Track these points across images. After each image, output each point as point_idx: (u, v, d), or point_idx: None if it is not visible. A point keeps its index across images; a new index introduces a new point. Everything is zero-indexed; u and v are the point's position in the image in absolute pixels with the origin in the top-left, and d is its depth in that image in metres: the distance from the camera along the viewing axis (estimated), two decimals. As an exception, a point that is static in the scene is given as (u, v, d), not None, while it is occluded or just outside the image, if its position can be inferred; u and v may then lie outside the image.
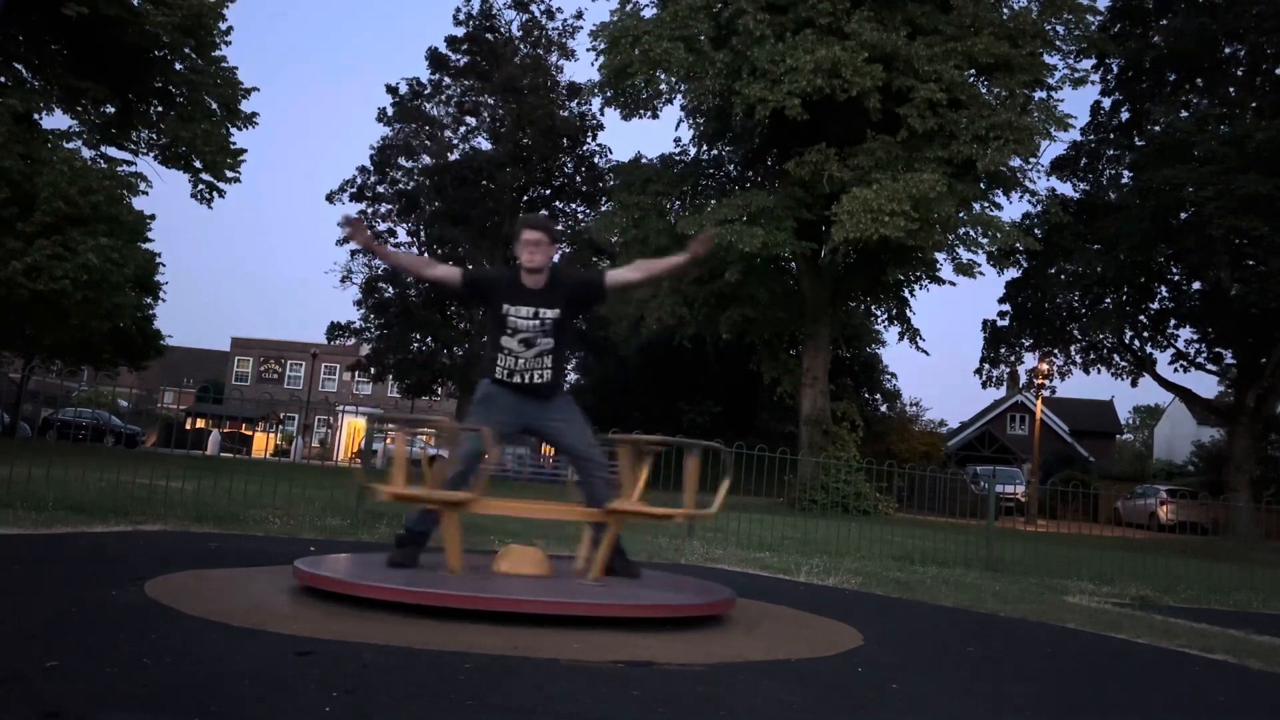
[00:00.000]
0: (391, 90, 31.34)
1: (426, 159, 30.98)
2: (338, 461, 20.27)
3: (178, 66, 18.69)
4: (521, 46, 31.55)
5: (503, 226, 28.95)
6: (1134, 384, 27.92)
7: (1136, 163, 23.23)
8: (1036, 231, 21.47)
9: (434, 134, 31.04)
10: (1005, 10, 20.19)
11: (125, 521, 5.52)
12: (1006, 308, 25.32)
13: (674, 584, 4.10)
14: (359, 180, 31.14)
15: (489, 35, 31.41)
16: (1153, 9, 24.18)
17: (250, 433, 33.56)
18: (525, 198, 31.02)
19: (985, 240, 19.13)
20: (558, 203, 32.12)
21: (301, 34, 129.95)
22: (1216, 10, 22.46)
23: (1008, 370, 27.25)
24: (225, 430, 33.46)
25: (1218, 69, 23.18)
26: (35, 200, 15.26)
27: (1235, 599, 6.98)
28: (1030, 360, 27.36)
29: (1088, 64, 22.85)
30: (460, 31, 31.42)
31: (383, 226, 31.23)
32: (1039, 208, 22.20)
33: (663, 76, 19.94)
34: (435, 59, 31.30)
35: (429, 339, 30.66)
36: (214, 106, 19.36)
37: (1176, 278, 23.98)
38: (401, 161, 31.24)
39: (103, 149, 18.90)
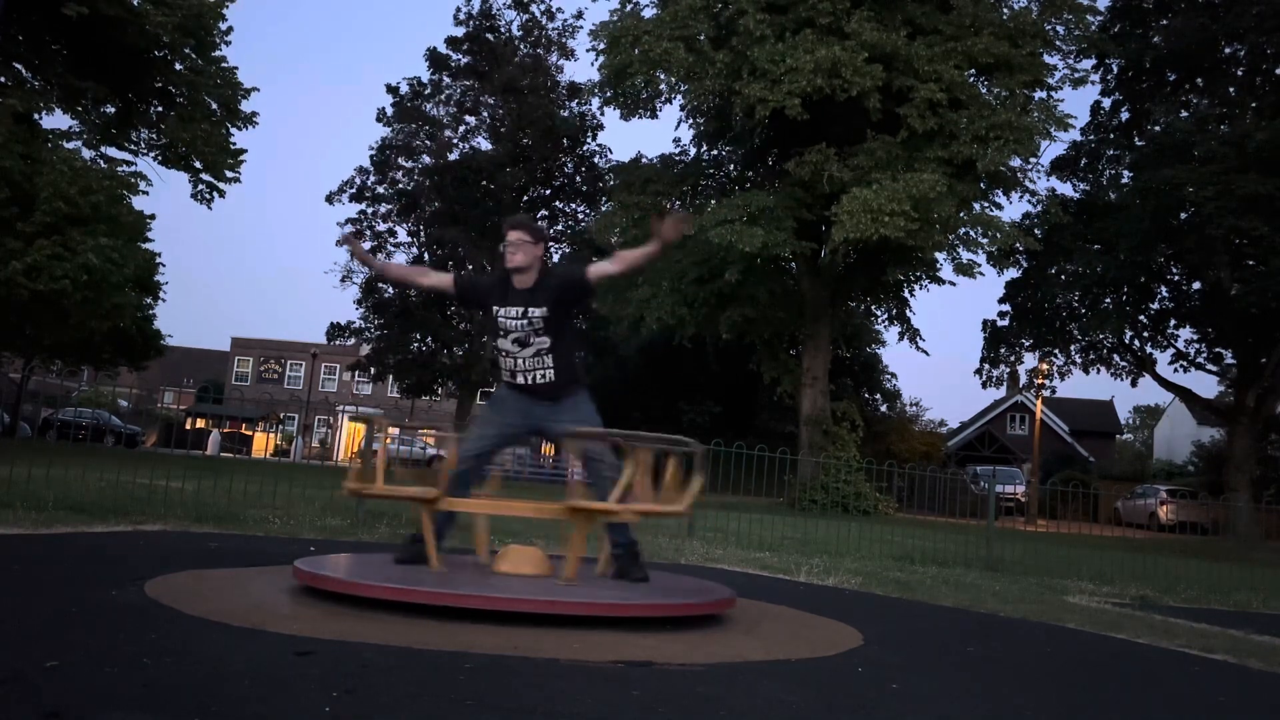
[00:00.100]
0: (392, 90, 31.36)
1: (426, 159, 30.99)
2: (338, 461, 20.29)
3: (178, 66, 18.69)
4: (521, 46, 31.56)
5: (502, 227, 28.92)
6: (1134, 384, 27.96)
7: (1136, 163, 23.23)
8: (1036, 231, 21.46)
9: (434, 134, 31.05)
10: (1005, 10, 20.19)
11: (125, 521, 5.52)
12: (1006, 308, 25.33)
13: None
14: (358, 181, 31.16)
15: (489, 35, 31.42)
16: (1153, 9, 24.18)
17: (250, 433, 33.56)
18: (525, 198, 31.02)
19: (985, 240, 19.13)
20: (558, 203, 32.12)
21: (302, 34, 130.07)
22: (1216, 10, 22.46)
23: (1008, 370, 27.27)
24: (225, 430, 33.47)
25: (1218, 69, 23.18)
26: (35, 200, 15.26)
27: (1235, 599, 6.98)
28: (1030, 360, 27.40)
29: (1088, 64, 22.89)
30: (460, 31, 31.46)
31: (382, 226, 31.27)
32: (1039, 208, 22.21)
33: (662, 76, 19.94)
34: (435, 59, 31.31)
35: (429, 339, 30.68)
36: (214, 107, 19.37)
37: (1176, 278, 23.98)
38: (401, 161, 31.26)
39: (103, 149, 18.92)
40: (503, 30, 31.65)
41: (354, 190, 31.11)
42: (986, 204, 20.32)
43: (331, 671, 2.29)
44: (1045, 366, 27.14)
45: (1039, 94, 20.11)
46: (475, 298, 4.19)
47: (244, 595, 3.32)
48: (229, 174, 19.69)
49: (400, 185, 31.15)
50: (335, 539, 5.63)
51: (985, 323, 25.86)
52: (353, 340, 32.21)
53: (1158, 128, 23.25)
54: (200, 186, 19.79)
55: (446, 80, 31.56)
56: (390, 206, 31.32)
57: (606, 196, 25.62)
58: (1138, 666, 3.63)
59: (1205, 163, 19.97)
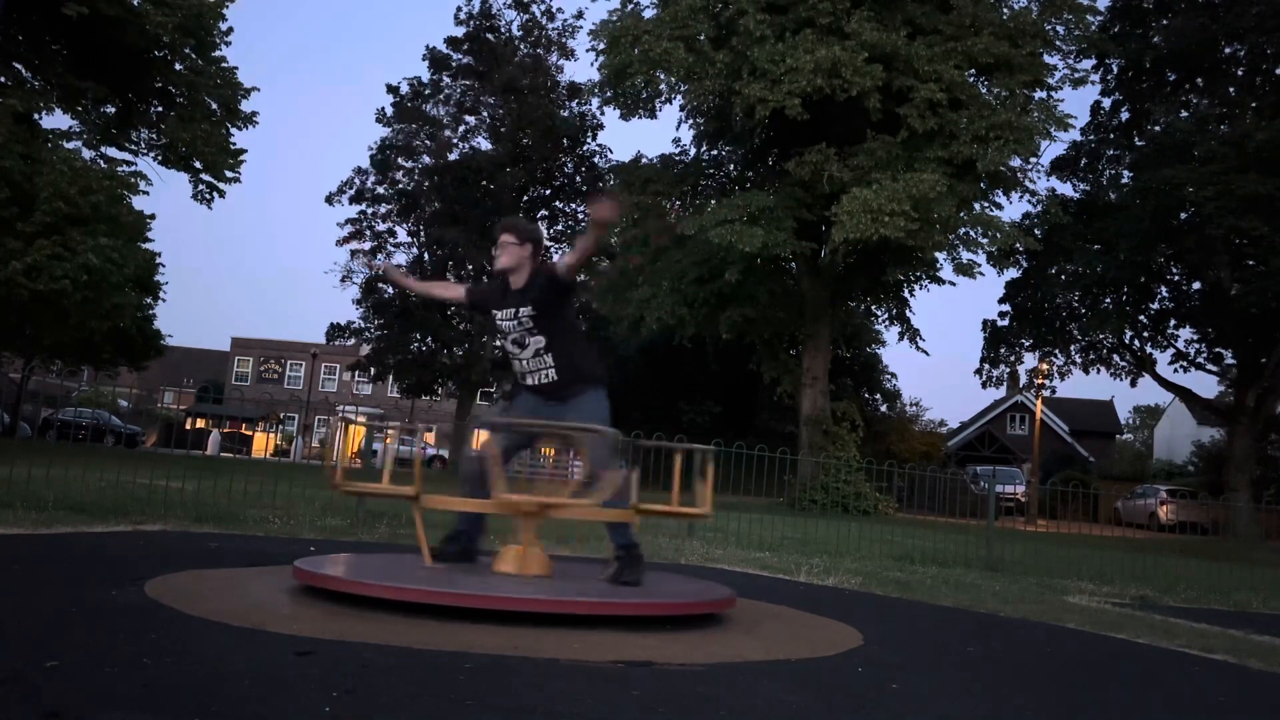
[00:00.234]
0: (392, 90, 31.33)
1: (426, 159, 30.97)
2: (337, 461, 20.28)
3: (178, 67, 18.69)
4: (521, 46, 31.54)
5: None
6: (1134, 384, 27.97)
7: (1136, 163, 23.24)
8: (1036, 231, 21.47)
9: (434, 134, 31.03)
10: (1005, 10, 20.19)
11: (125, 521, 5.52)
12: (1006, 308, 25.33)
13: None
14: (358, 181, 31.13)
15: (489, 35, 31.39)
16: (1153, 9, 24.19)
17: (250, 433, 33.56)
18: (525, 198, 31.01)
19: (985, 240, 19.13)
20: (558, 203, 32.08)
21: (302, 34, 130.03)
22: (1216, 10, 22.47)
23: (1008, 370, 27.27)
24: (225, 430, 33.47)
25: (1218, 69, 23.19)
26: (35, 200, 15.26)
27: (1235, 599, 6.98)
28: (1030, 360, 27.41)
29: (1088, 64, 22.90)
30: (460, 31, 31.42)
31: (382, 227, 31.25)
32: (1039, 208, 22.22)
33: (662, 76, 19.94)
34: (435, 59, 31.29)
35: (429, 339, 30.65)
36: (214, 107, 19.36)
37: (1176, 278, 23.99)
38: (401, 161, 31.23)
39: (103, 149, 18.91)
40: (503, 30, 31.64)
41: (354, 191, 31.09)
42: (986, 204, 20.34)
43: (331, 671, 2.29)
44: (1045, 366, 27.16)
45: (1039, 94, 20.12)
46: (484, 305, 4.22)
47: (244, 595, 3.32)
48: (229, 174, 19.69)
49: (400, 185, 31.11)
50: (335, 539, 5.63)
51: (985, 323, 25.89)
52: (352, 340, 32.18)
53: (1158, 128, 23.26)
54: (200, 186, 19.79)
55: (446, 80, 31.54)
56: (390, 207, 31.29)
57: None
58: (1138, 666, 3.63)
59: (1205, 163, 19.98)
